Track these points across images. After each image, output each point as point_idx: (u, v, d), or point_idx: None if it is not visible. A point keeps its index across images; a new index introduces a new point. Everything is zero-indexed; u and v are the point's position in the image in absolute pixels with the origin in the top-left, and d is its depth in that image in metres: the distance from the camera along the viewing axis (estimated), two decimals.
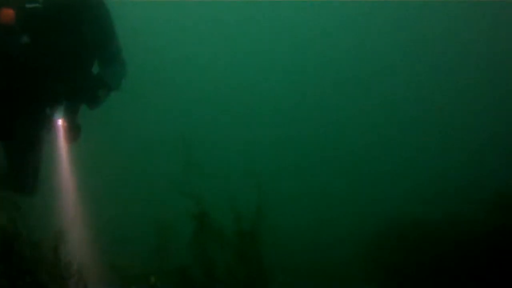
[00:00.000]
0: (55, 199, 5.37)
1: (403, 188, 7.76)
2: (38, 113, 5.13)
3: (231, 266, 5.35)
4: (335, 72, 11.95)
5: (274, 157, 8.98)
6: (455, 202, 6.51)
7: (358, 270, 5.72)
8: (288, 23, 12.46)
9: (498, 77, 11.11)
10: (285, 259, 5.62)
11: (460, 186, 7.38)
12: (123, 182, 6.36)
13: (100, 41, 4.97)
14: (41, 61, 4.88)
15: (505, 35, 11.49)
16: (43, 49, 4.83)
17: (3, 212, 4.23)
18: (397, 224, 6.11)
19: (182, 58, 11.54)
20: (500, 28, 11.61)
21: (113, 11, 4.68)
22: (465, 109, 10.74)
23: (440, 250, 5.68)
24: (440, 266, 5.58)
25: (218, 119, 10.26)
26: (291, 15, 12.54)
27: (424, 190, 7.55)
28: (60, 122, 5.10)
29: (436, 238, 5.72)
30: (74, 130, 5.13)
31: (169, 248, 5.05)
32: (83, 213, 5.12)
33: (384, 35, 12.23)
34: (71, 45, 4.94)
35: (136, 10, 10.63)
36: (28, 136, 5.20)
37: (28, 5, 4.78)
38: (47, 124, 5.11)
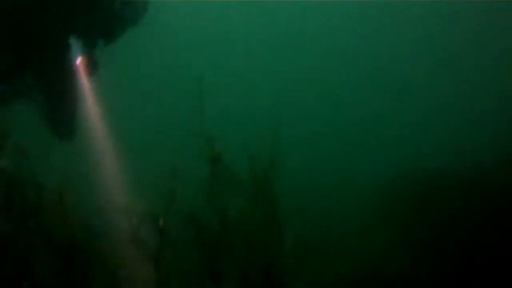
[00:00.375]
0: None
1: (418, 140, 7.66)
2: (56, 48, 5.08)
3: (244, 211, 5.27)
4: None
5: (290, 103, 8.85)
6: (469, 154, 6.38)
7: (370, 215, 5.64)
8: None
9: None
10: (300, 205, 5.51)
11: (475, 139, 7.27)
12: (137, 126, 6.28)
13: None
14: None
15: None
16: None
17: (8, 155, 4.16)
18: (410, 173, 5.99)
19: None
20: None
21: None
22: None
23: (451, 200, 5.56)
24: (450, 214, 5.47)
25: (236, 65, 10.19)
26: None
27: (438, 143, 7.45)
28: (78, 57, 5.07)
29: (449, 188, 5.59)
30: (92, 65, 5.09)
31: (181, 192, 4.95)
32: (93, 156, 5.07)
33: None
34: None
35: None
36: (52, 71, 5.16)
37: None
38: (66, 59, 5.07)
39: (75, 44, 4.95)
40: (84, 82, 5.00)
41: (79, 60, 5.01)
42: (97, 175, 5.05)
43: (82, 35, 5.05)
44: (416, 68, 11.33)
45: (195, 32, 11.46)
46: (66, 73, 5.12)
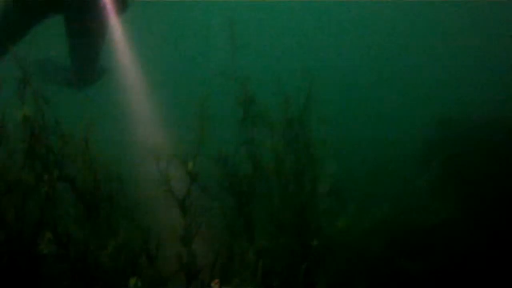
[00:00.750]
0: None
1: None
2: None
3: (279, 154, 5.10)
4: None
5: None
6: None
7: (412, 160, 5.39)
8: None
9: None
10: (337, 149, 5.28)
11: None
12: (166, 67, 6.11)
13: None
14: None
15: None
16: None
17: (31, 103, 4.08)
18: (455, 119, 5.68)
19: None
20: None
21: None
22: None
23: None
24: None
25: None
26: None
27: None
28: None
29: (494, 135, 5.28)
30: (121, 2, 4.97)
31: (213, 134, 4.79)
32: (122, 98, 4.98)
33: None
34: None
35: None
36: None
37: None
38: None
39: None
40: (111, 21, 4.85)
41: None
42: (126, 118, 4.95)
43: None
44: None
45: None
46: (92, 11, 4.97)
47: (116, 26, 4.85)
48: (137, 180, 4.44)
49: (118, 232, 4.03)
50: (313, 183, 5.06)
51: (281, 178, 5.03)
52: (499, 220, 4.75)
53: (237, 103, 4.97)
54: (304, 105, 5.01)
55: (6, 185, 3.75)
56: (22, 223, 3.68)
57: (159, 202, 4.36)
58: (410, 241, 5.13)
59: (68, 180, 4.01)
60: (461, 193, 5.06)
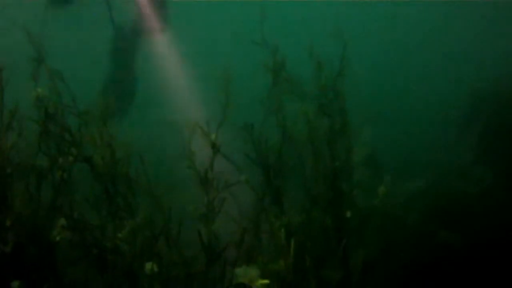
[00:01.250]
0: None
1: None
2: None
3: (310, 122, 4.81)
4: None
5: None
6: None
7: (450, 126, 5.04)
8: None
9: None
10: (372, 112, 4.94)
11: None
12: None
13: None
14: None
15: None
16: None
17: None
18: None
19: None
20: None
21: None
22: None
23: None
24: None
25: None
26: None
27: None
28: None
29: None
30: None
31: (239, 103, 4.54)
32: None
33: None
34: None
35: None
36: None
37: None
38: None
39: None
40: None
41: None
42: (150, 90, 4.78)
43: None
44: None
45: None
46: None
47: None
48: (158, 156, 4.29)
49: (136, 213, 3.92)
50: (348, 152, 4.79)
51: (313, 147, 4.77)
52: None
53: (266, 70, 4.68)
54: (338, 71, 4.67)
55: (19, 170, 3.68)
56: (36, 208, 3.62)
57: (181, 178, 4.21)
58: (450, 211, 4.83)
59: (86, 160, 3.91)
60: (504, 159, 4.70)
